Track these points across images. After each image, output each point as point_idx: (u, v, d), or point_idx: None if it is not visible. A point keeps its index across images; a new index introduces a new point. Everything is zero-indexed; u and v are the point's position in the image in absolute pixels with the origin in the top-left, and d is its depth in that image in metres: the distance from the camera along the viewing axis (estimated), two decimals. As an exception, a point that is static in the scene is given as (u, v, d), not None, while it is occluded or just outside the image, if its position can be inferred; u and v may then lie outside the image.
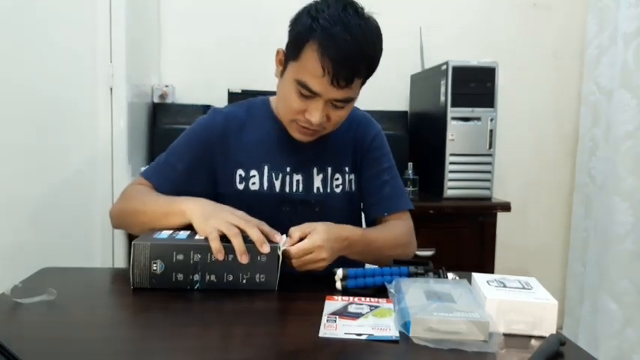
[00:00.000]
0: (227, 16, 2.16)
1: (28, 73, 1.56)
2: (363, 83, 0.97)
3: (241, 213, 0.86)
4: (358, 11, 0.90)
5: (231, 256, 0.79)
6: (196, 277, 0.80)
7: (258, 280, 0.80)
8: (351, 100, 0.94)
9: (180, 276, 0.79)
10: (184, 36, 2.14)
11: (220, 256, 0.78)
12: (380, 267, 0.88)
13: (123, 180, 1.68)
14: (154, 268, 0.79)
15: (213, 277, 0.80)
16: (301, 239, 0.86)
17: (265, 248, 0.79)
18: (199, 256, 0.79)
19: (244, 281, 0.80)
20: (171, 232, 0.86)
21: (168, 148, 1.06)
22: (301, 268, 0.87)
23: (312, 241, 0.85)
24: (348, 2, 0.91)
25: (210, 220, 0.81)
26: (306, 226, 0.88)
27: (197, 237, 0.83)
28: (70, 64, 1.61)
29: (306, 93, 0.91)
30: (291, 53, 0.93)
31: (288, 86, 0.94)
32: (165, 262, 0.79)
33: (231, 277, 0.80)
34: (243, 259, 0.78)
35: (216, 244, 0.78)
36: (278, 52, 0.99)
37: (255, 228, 0.81)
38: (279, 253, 0.81)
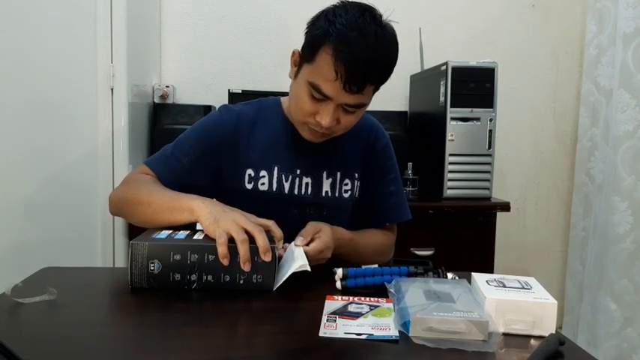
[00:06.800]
0: (227, 17, 2.16)
1: (29, 74, 1.56)
2: (375, 90, 0.96)
3: (251, 216, 0.85)
4: (376, 18, 0.89)
5: (230, 261, 0.79)
6: (193, 277, 0.79)
7: (255, 281, 0.80)
8: (362, 105, 0.94)
9: (177, 276, 0.79)
10: (185, 36, 2.15)
11: (226, 262, 0.78)
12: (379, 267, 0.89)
13: (123, 180, 1.68)
14: (152, 267, 0.79)
15: (210, 278, 0.80)
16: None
17: (268, 257, 0.78)
18: (196, 257, 0.79)
19: (241, 282, 0.80)
20: (170, 232, 0.86)
21: (175, 141, 1.05)
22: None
23: (323, 241, 0.89)
24: (367, 8, 0.90)
25: (220, 221, 0.81)
26: (313, 228, 0.91)
27: (195, 237, 0.83)
28: (71, 64, 1.61)
29: (318, 96, 0.90)
30: (306, 55, 0.93)
31: (301, 88, 0.93)
32: (163, 262, 0.79)
33: (228, 278, 0.80)
34: (246, 267, 0.78)
35: (223, 250, 0.77)
36: (294, 52, 0.97)
37: (262, 234, 0.80)
38: (277, 253, 0.81)
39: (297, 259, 0.83)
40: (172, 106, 1.98)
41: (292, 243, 0.89)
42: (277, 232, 0.84)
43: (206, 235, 0.83)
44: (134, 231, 1.68)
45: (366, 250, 1.05)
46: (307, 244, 0.89)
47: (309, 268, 0.82)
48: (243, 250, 0.78)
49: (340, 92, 0.89)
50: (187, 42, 2.15)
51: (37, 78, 1.57)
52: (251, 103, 1.10)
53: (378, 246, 1.10)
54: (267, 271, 0.80)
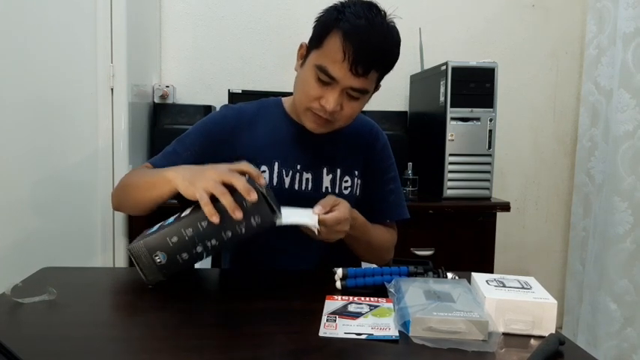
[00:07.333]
0: (227, 17, 2.16)
1: (29, 74, 1.56)
2: (377, 82, 0.99)
3: (223, 166, 0.84)
4: (381, 13, 0.95)
5: (220, 217, 0.77)
6: (199, 248, 0.79)
7: (255, 224, 0.79)
8: (366, 92, 0.96)
9: (184, 255, 0.79)
10: (185, 36, 2.15)
11: (216, 220, 0.76)
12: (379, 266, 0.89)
13: (123, 180, 1.68)
14: (158, 260, 0.79)
15: (214, 242, 0.79)
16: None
17: (252, 195, 0.76)
18: (191, 230, 0.78)
19: (243, 230, 0.79)
20: (159, 224, 0.85)
21: (177, 138, 1.07)
22: (328, 236, 0.89)
23: (342, 212, 0.89)
24: (373, 4, 0.96)
25: (196, 182, 0.80)
26: (332, 200, 0.92)
27: (183, 215, 0.82)
28: (71, 64, 1.61)
29: (325, 78, 0.93)
30: (314, 43, 0.96)
31: (308, 72, 0.96)
32: (164, 250, 0.79)
33: (230, 234, 0.79)
34: (237, 214, 0.76)
35: (209, 210, 0.76)
36: (301, 45, 1.01)
37: (240, 178, 0.79)
38: (262, 190, 0.79)
39: (311, 218, 0.84)
40: (172, 106, 1.98)
41: (311, 209, 0.89)
42: (253, 171, 0.83)
43: (192, 209, 0.82)
44: (134, 231, 1.68)
45: (375, 239, 1.06)
46: (325, 214, 0.89)
47: (316, 232, 0.84)
48: (226, 201, 0.76)
49: (347, 74, 0.91)
50: (187, 42, 2.15)
51: (37, 78, 1.57)
52: (252, 103, 1.13)
53: (384, 240, 1.11)
54: (261, 209, 0.78)
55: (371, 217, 1.12)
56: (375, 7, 0.95)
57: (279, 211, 0.83)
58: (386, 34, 0.93)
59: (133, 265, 0.82)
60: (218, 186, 0.77)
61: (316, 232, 0.85)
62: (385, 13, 0.96)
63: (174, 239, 0.79)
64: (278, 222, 0.81)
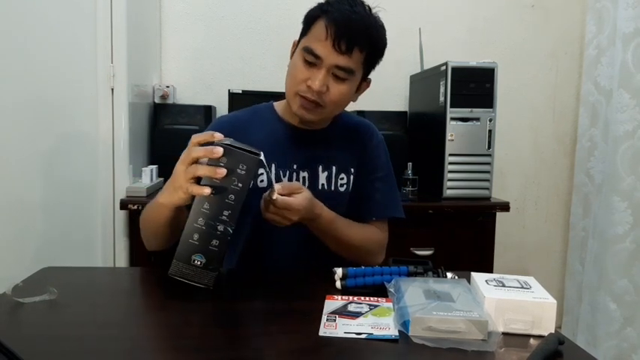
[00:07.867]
0: (227, 17, 2.16)
1: (29, 75, 1.56)
2: (365, 68, 1.00)
3: (182, 154, 0.83)
4: (365, 6, 0.99)
5: (212, 189, 0.78)
6: (220, 227, 0.80)
7: (244, 172, 0.80)
8: (351, 72, 0.98)
9: (214, 242, 0.80)
10: (185, 36, 2.15)
11: (207, 191, 0.78)
12: (378, 266, 0.89)
13: (124, 180, 1.68)
14: (199, 263, 0.80)
15: (226, 212, 0.80)
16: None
17: (217, 152, 0.78)
18: (201, 219, 0.79)
19: (240, 184, 0.80)
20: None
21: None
22: (270, 216, 0.90)
23: (296, 201, 0.90)
24: (358, 0, 0.99)
25: (176, 184, 0.81)
26: (296, 187, 0.92)
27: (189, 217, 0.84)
28: (71, 64, 1.61)
29: (311, 59, 0.96)
30: (302, 34, 1.01)
31: (296, 57, 1.00)
32: (196, 251, 0.80)
33: (232, 197, 0.80)
34: (219, 173, 0.78)
35: (196, 189, 0.78)
36: (293, 43, 1.05)
37: (197, 149, 0.80)
38: (223, 143, 0.80)
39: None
40: (173, 107, 1.98)
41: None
42: (202, 136, 0.83)
43: (191, 208, 0.83)
44: (134, 231, 1.68)
45: (345, 236, 1.04)
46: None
47: (275, 197, 0.86)
48: (203, 171, 0.78)
49: (330, 51, 0.94)
50: (187, 42, 2.15)
51: (37, 78, 1.57)
52: (244, 110, 1.16)
53: (361, 239, 1.08)
54: (237, 157, 0.79)
55: (357, 215, 1.12)
56: (360, 2, 0.99)
57: (256, 149, 0.83)
58: (369, 18, 0.97)
59: (173, 277, 0.82)
60: (191, 169, 0.79)
61: (274, 197, 0.86)
62: (369, 7, 1.00)
63: (196, 236, 0.80)
64: (262, 157, 0.82)
